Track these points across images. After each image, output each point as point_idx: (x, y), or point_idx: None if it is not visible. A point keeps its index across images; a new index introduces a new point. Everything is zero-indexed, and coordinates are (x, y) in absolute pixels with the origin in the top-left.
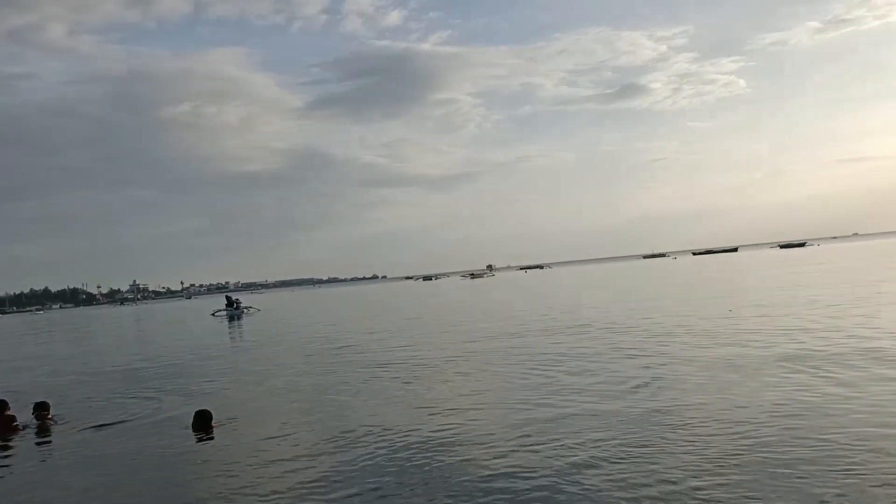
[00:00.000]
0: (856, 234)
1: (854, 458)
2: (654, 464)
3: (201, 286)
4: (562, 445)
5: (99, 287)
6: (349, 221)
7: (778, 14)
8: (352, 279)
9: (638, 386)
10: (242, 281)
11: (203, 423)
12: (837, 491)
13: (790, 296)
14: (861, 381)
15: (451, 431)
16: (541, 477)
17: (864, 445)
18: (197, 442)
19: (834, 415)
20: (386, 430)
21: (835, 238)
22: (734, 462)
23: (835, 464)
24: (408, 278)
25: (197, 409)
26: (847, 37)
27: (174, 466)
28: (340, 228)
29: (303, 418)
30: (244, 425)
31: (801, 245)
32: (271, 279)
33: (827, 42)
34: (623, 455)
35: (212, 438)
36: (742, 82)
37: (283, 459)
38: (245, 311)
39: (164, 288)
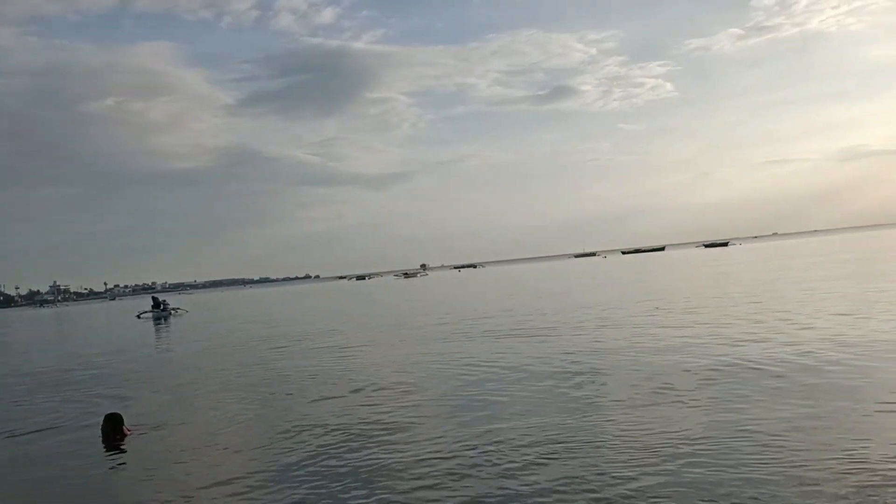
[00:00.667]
0: (775, 234)
1: (771, 443)
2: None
3: (126, 287)
4: (496, 440)
5: (17, 288)
6: (282, 220)
7: (702, 20)
8: (284, 279)
9: (564, 380)
10: (170, 281)
11: (113, 428)
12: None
13: (710, 293)
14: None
15: (383, 431)
16: (470, 470)
17: (792, 437)
18: (105, 449)
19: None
20: (314, 433)
21: (755, 238)
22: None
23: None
24: (341, 278)
25: (107, 412)
26: (767, 43)
27: (75, 475)
28: (273, 228)
29: (228, 423)
30: (162, 430)
31: (724, 244)
32: (200, 279)
33: (748, 48)
34: (549, 453)
35: (122, 444)
36: (669, 86)
37: (201, 466)
38: (172, 312)
39: (86, 289)
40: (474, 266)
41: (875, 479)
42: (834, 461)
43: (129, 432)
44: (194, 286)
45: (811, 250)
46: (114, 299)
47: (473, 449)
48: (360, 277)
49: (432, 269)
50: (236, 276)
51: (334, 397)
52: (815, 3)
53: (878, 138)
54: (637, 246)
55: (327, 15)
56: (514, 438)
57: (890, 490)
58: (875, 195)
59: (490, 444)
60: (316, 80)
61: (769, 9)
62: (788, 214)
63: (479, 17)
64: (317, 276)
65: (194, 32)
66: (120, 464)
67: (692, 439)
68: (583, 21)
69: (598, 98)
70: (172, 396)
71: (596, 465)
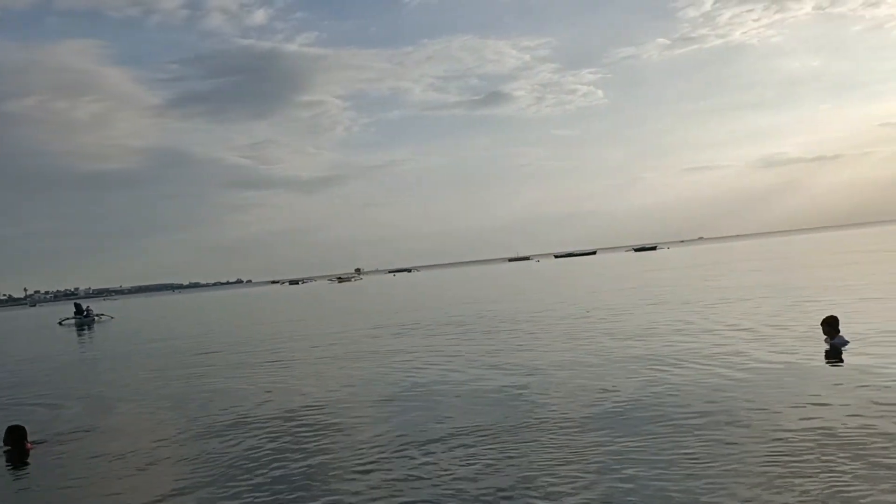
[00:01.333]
0: (701, 238)
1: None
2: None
3: (47, 293)
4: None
5: None
6: (212, 224)
7: (632, 30)
8: (214, 284)
9: (492, 383)
10: (94, 287)
11: (15, 441)
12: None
13: (637, 296)
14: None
15: (313, 433)
16: (399, 468)
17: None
18: (6, 464)
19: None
20: (226, 444)
21: (682, 242)
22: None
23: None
24: (274, 282)
25: (10, 424)
26: (693, 53)
27: None
28: (203, 231)
29: (143, 434)
30: (70, 444)
31: (653, 248)
32: (126, 285)
33: (675, 58)
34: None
35: (26, 458)
36: (600, 93)
37: (108, 481)
38: (96, 319)
39: (5, 295)
40: (409, 270)
41: None
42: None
43: (31, 447)
44: (120, 292)
45: (724, 256)
46: (34, 305)
47: (409, 459)
48: (294, 282)
49: (367, 273)
50: (164, 282)
51: (254, 409)
52: (738, 15)
53: (796, 146)
54: (569, 250)
55: (259, 16)
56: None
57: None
58: (794, 201)
59: (425, 456)
60: (247, 82)
61: (695, 20)
62: (714, 219)
63: (413, 22)
64: (248, 281)
65: (120, 31)
66: (18, 480)
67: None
68: (517, 28)
69: (531, 104)
70: (84, 407)
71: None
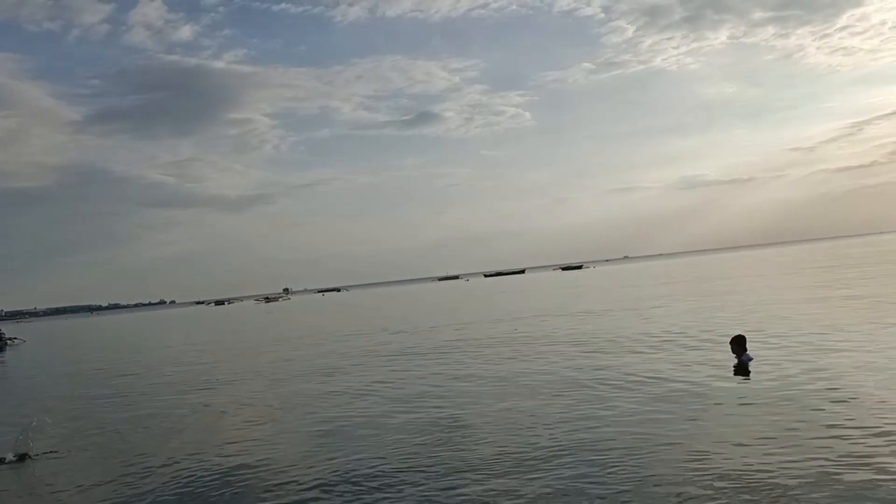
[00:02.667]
0: (626, 257)
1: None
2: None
3: None
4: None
5: None
6: (133, 243)
7: (558, 54)
8: (136, 305)
9: (424, 397)
10: (6, 309)
11: None
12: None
13: (560, 313)
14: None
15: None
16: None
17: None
18: None
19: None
20: (165, 465)
21: (608, 261)
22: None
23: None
24: (199, 303)
25: None
26: (616, 78)
27: None
28: (123, 251)
29: (62, 461)
30: None
31: (579, 267)
32: (42, 306)
33: (600, 82)
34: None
35: None
36: (528, 115)
37: None
38: (9, 342)
39: None
40: (338, 290)
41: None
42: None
43: None
44: (34, 314)
45: (646, 274)
46: None
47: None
48: (220, 302)
49: (295, 292)
50: (82, 303)
51: (163, 436)
52: (658, 43)
53: (713, 169)
54: (499, 269)
55: (185, 32)
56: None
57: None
58: (712, 221)
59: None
60: (172, 99)
61: (618, 46)
62: (637, 238)
63: (343, 41)
64: (172, 302)
65: (38, 45)
66: None
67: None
68: (446, 50)
69: (460, 124)
70: None
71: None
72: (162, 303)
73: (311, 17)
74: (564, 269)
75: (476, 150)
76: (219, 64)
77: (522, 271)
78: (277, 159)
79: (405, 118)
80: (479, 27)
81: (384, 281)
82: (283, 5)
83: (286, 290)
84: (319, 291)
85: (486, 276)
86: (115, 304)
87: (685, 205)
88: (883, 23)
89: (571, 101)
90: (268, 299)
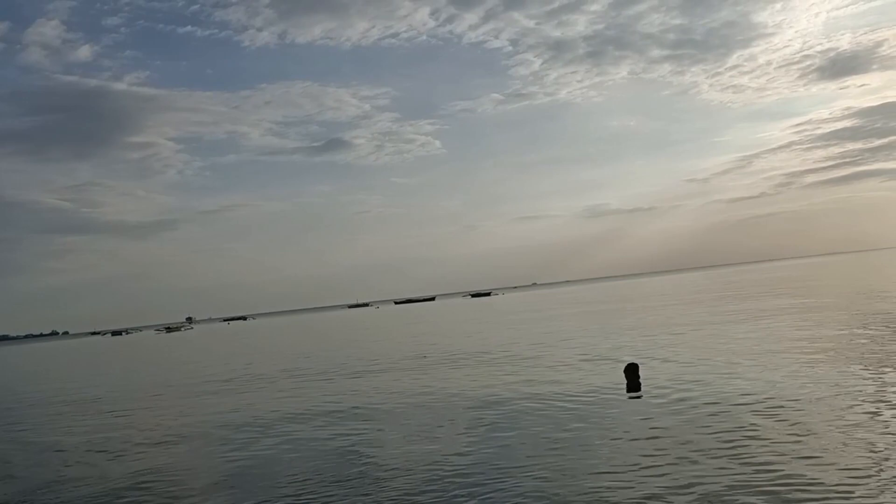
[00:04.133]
0: (534, 284)
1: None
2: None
3: None
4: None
5: None
6: (25, 271)
7: (467, 84)
8: (26, 336)
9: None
10: None
11: None
12: None
13: (476, 339)
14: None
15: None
16: None
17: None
18: None
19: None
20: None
21: (516, 287)
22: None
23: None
24: (94, 333)
25: None
26: (524, 109)
27: None
28: (12, 279)
29: None
30: None
31: (488, 294)
32: None
33: (508, 112)
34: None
35: None
36: (438, 143)
37: None
38: None
39: None
40: (244, 318)
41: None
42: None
43: None
44: None
45: (554, 301)
46: None
47: None
48: (117, 333)
49: (199, 322)
50: None
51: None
52: (564, 76)
53: (616, 198)
54: (409, 296)
55: (84, 52)
56: None
57: None
58: (616, 248)
59: None
60: (70, 121)
61: (525, 78)
62: (545, 266)
63: (252, 66)
64: (65, 333)
65: None
66: None
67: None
68: (357, 77)
69: (371, 152)
70: None
71: None
72: (54, 333)
73: (218, 41)
74: (474, 295)
75: (387, 177)
76: (120, 86)
77: (433, 298)
78: (182, 185)
79: (315, 144)
80: (389, 56)
81: (293, 309)
82: (188, 28)
83: (189, 320)
84: (225, 320)
85: (396, 303)
86: (3, 336)
87: (591, 233)
88: (769, 63)
89: (481, 131)
90: (169, 329)
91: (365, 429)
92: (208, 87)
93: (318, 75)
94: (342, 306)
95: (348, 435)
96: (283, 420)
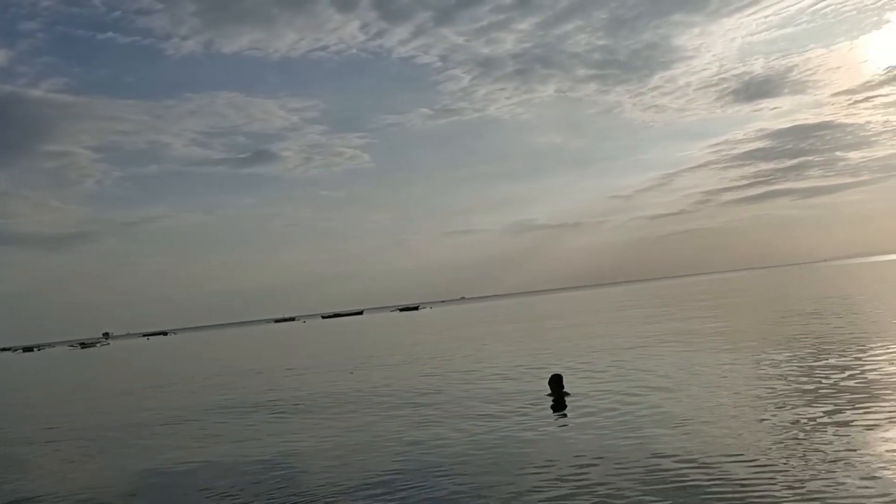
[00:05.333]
0: (463, 298)
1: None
2: None
3: None
4: None
5: None
6: None
7: (397, 99)
8: None
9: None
10: None
11: None
12: None
13: (393, 353)
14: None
15: None
16: None
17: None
18: None
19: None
20: None
21: (444, 302)
22: None
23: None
24: (4, 350)
25: None
26: (453, 124)
27: None
28: None
29: None
30: None
31: (416, 308)
32: None
33: (437, 127)
34: None
35: None
36: (367, 156)
37: None
38: None
39: None
40: (165, 333)
41: None
42: None
43: None
44: None
45: (481, 315)
46: None
47: None
48: (28, 349)
49: (117, 337)
50: None
51: None
52: (492, 92)
53: (543, 214)
54: (337, 310)
55: None
56: None
57: None
58: (544, 263)
59: None
60: None
61: (454, 94)
62: (474, 280)
63: (176, 75)
64: None
65: None
66: None
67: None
68: (285, 89)
69: (299, 164)
70: None
71: None
72: None
73: (140, 49)
74: (402, 310)
75: (315, 190)
76: (35, 92)
77: (361, 312)
78: (100, 195)
79: (241, 156)
80: (318, 68)
81: (218, 323)
82: (109, 34)
83: (106, 335)
84: (144, 335)
85: (323, 317)
86: None
87: (518, 247)
88: (688, 85)
89: (410, 145)
90: (83, 345)
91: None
92: (130, 95)
93: (244, 86)
94: (268, 321)
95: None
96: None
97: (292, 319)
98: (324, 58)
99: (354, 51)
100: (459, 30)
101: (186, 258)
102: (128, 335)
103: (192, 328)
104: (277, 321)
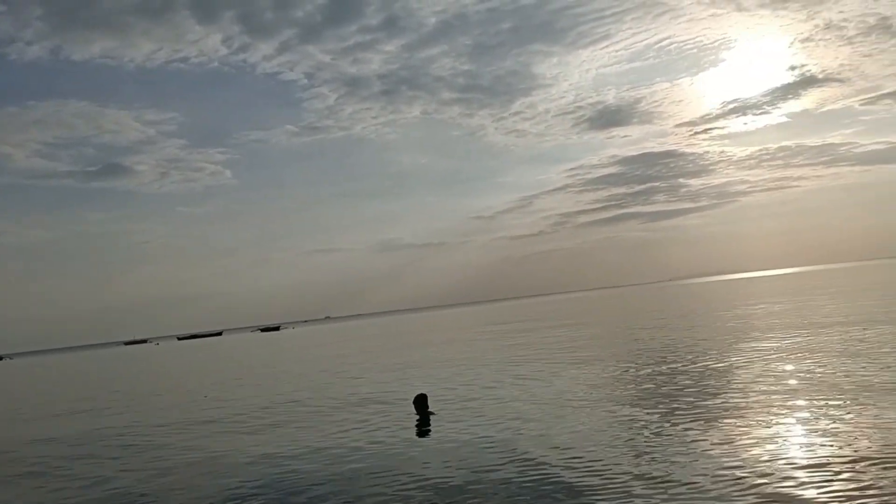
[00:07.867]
0: (328, 318)
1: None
2: None
3: None
4: None
5: None
6: None
7: (261, 115)
8: None
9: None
10: None
11: None
12: None
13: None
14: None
15: None
16: None
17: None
18: None
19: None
20: None
21: (307, 321)
22: None
23: None
24: None
25: None
26: (319, 142)
27: None
28: None
29: None
30: None
31: (277, 328)
32: None
33: (303, 144)
34: None
35: None
36: (228, 172)
37: None
38: None
39: None
40: (1, 358)
41: None
42: None
43: None
44: None
45: (343, 335)
46: None
47: None
48: None
49: None
50: None
51: None
52: (358, 112)
53: (409, 233)
54: (194, 331)
55: None
56: None
57: None
58: (410, 282)
59: None
60: None
61: (320, 112)
62: (339, 299)
63: (19, 81)
64: None
65: None
66: None
67: None
68: (140, 100)
69: (155, 179)
70: None
71: None
72: None
73: None
74: (263, 330)
75: (173, 206)
76: None
77: (220, 333)
78: None
79: (90, 169)
80: (178, 80)
81: (61, 347)
82: None
83: None
84: None
85: (179, 339)
86: None
87: (384, 266)
88: (547, 111)
89: (274, 162)
90: None
91: None
92: None
93: (95, 95)
94: (117, 343)
95: None
96: None
97: (144, 342)
98: (184, 69)
99: (216, 64)
100: (326, 48)
101: (28, 277)
102: None
103: (34, 352)
104: (128, 343)
